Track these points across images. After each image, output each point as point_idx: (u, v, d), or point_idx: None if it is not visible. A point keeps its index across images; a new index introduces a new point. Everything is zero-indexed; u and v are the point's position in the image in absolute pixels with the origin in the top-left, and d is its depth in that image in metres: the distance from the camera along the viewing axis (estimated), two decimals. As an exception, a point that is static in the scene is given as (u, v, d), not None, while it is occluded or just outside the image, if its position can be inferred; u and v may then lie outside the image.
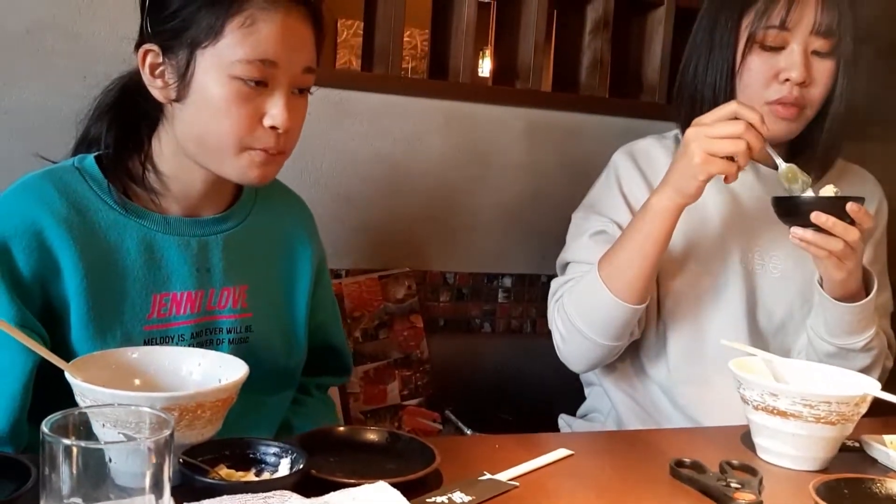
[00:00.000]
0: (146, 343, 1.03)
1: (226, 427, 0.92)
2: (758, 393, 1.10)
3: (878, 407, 1.12)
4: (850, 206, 1.15)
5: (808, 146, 1.35)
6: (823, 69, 1.29)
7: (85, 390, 0.84)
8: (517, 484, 0.98)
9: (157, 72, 1.02)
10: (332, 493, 0.84)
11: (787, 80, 1.27)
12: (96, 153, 1.07)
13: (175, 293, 1.05)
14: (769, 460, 1.12)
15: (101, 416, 0.72)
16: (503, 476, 0.99)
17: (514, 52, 1.88)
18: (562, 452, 1.09)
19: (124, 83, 1.10)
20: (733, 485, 0.98)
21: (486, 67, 2.12)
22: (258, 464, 0.91)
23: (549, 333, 1.51)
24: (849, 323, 1.29)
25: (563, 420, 1.61)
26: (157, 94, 1.03)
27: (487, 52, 2.06)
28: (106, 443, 0.62)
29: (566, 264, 1.45)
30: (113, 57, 1.43)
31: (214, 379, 0.95)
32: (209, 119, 1.00)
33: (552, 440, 1.24)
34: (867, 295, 1.27)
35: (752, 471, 1.05)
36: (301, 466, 0.87)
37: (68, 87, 1.46)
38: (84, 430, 0.70)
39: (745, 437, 1.21)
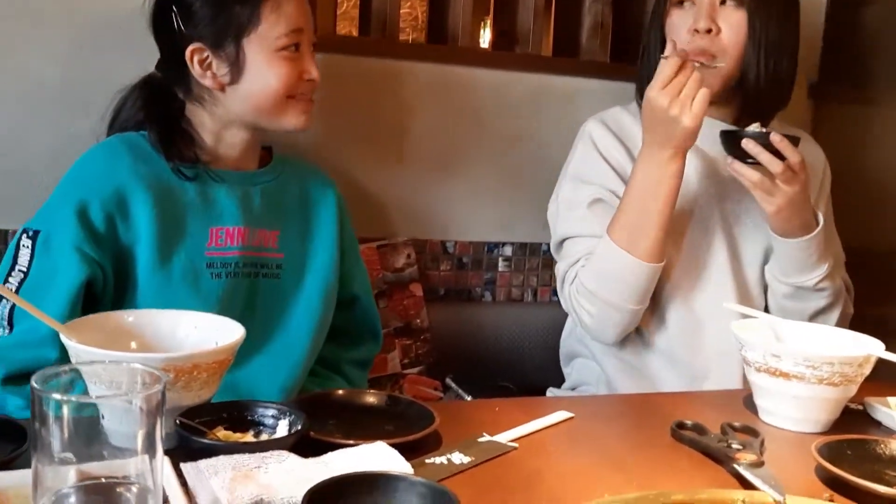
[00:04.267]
0: (208, 267, 1.20)
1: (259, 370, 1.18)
2: (759, 354, 1.09)
3: (884, 367, 1.11)
4: (773, 137, 1.26)
5: (748, 99, 1.42)
6: (734, 18, 1.38)
7: (80, 352, 0.83)
8: (516, 445, 0.97)
9: (206, 65, 1.20)
10: (329, 454, 0.83)
11: (697, 31, 1.38)
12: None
13: (228, 227, 1.22)
14: (771, 422, 1.12)
15: (93, 375, 0.71)
16: (503, 437, 0.99)
17: (514, 16, 1.86)
18: (562, 415, 1.08)
19: (143, 89, 1.27)
20: (734, 446, 0.97)
21: (486, 39, 2.08)
22: (256, 426, 0.90)
23: (550, 302, 1.51)
24: (798, 259, 1.37)
25: (553, 393, 1.61)
26: (209, 83, 1.21)
27: (488, 23, 2.02)
28: (97, 397, 0.61)
29: (562, 241, 1.46)
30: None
31: (211, 342, 0.95)
32: (263, 88, 1.20)
33: (552, 403, 1.24)
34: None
35: (753, 432, 1.04)
36: (299, 428, 0.87)
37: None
38: (75, 388, 0.69)
39: (747, 399, 1.21)
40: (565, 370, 1.62)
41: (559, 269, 1.46)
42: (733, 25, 1.38)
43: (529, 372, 1.77)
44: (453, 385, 1.64)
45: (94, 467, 0.63)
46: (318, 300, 1.30)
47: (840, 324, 1.45)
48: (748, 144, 1.27)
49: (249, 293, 1.25)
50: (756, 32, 1.38)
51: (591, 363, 1.53)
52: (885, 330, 1.18)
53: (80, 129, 1.40)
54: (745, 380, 1.38)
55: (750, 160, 1.29)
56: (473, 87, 1.75)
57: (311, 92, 1.26)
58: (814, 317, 1.44)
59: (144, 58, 1.30)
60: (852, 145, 1.97)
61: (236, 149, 1.27)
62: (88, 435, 0.60)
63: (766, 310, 1.46)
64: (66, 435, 0.59)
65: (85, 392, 0.70)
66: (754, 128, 1.31)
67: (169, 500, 0.72)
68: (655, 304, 1.40)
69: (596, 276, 1.36)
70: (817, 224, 1.36)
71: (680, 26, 1.40)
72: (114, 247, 1.15)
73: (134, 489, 0.61)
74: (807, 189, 1.33)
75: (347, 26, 3.54)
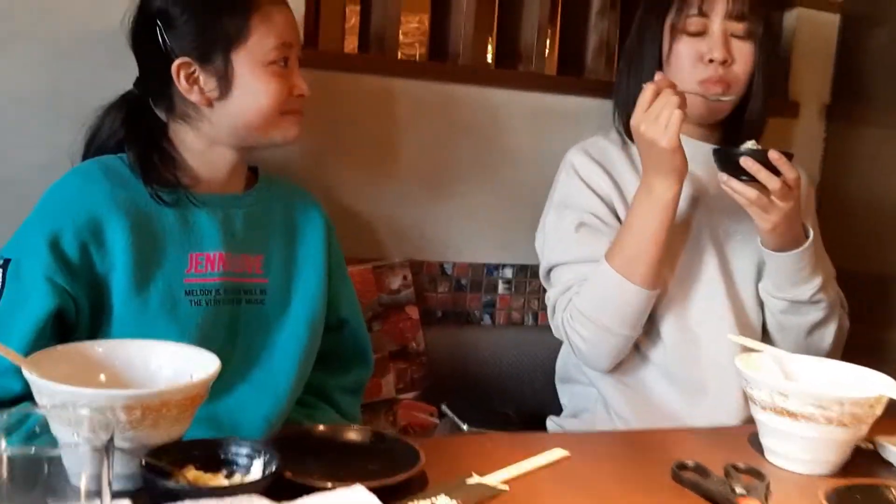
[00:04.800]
0: (188, 294, 1.15)
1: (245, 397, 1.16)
2: (766, 392, 1.03)
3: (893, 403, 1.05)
4: (772, 154, 1.26)
5: (737, 123, 1.47)
6: (743, 50, 1.42)
7: (42, 387, 0.78)
8: (507, 488, 0.92)
9: (192, 80, 1.16)
10: (304, 498, 0.79)
11: (711, 60, 1.40)
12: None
13: (208, 253, 1.18)
14: (777, 463, 1.06)
15: (53, 416, 0.67)
16: (493, 478, 0.94)
17: (517, 33, 1.81)
18: (557, 453, 1.03)
19: (121, 108, 1.23)
20: (738, 490, 0.92)
21: (488, 56, 2.05)
22: (229, 465, 0.86)
23: (549, 327, 1.47)
24: (791, 273, 1.37)
25: (553, 422, 1.57)
26: (195, 98, 1.17)
27: (491, 40, 1.98)
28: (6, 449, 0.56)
29: (550, 269, 1.46)
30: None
31: (186, 374, 0.90)
32: (254, 102, 1.17)
33: (547, 440, 1.19)
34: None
35: (758, 475, 0.99)
36: (273, 469, 0.82)
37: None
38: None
39: (752, 438, 1.15)
40: (561, 396, 1.59)
41: (550, 297, 1.46)
42: (743, 56, 1.42)
43: (529, 398, 1.72)
44: (449, 412, 1.59)
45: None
46: (304, 326, 1.25)
47: (838, 336, 1.46)
48: (747, 162, 1.26)
49: (231, 320, 1.20)
50: (761, 63, 1.44)
51: (587, 389, 1.50)
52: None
53: (62, 143, 1.35)
54: (745, 398, 1.35)
55: (745, 177, 1.28)
56: (474, 105, 1.71)
57: (301, 108, 1.23)
58: (812, 330, 1.43)
59: (129, 71, 1.26)
60: (865, 166, 1.94)
61: (221, 170, 1.23)
62: (26, 481, 0.56)
63: (764, 325, 1.46)
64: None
65: (38, 432, 0.66)
66: (750, 145, 1.30)
67: (127, 551, 0.67)
68: (650, 320, 1.39)
69: (592, 301, 1.36)
70: (807, 237, 1.36)
71: (687, 55, 1.42)
72: (88, 276, 1.11)
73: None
74: (799, 205, 1.33)
75: (347, 41, 3.51)
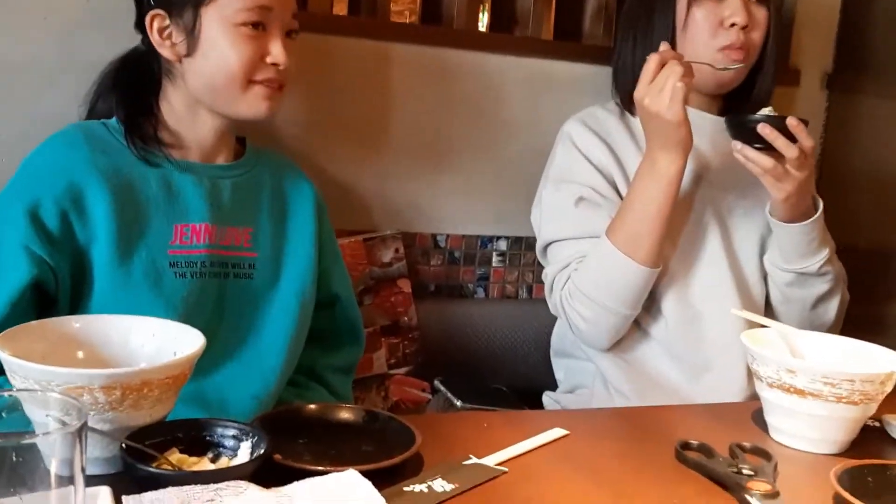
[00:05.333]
0: (172, 266, 1.10)
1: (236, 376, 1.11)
2: (773, 369, 1.00)
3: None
4: (790, 121, 1.22)
5: (738, 93, 1.44)
6: (761, 15, 1.39)
7: (14, 366, 0.74)
8: (506, 469, 0.88)
9: (165, 34, 1.13)
10: (293, 484, 0.75)
11: (733, 24, 1.36)
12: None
13: (194, 224, 1.13)
14: (783, 442, 1.03)
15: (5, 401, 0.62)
16: (491, 460, 0.90)
17: (513, -2, 1.75)
18: (556, 433, 1.00)
19: (122, 60, 1.20)
20: (745, 472, 0.89)
21: (483, 21, 1.98)
22: (215, 447, 0.81)
23: (544, 300, 1.44)
24: (800, 244, 1.34)
25: (549, 398, 1.54)
26: (166, 53, 1.14)
27: (486, 5, 1.91)
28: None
29: (548, 245, 1.43)
30: None
31: (169, 352, 0.86)
32: (218, 64, 1.11)
33: (546, 418, 1.15)
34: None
35: (765, 454, 0.95)
36: (262, 452, 0.78)
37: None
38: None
39: (756, 414, 1.12)
40: (556, 371, 1.56)
41: (547, 274, 1.42)
42: (759, 22, 1.39)
43: (524, 373, 1.69)
44: (442, 388, 1.55)
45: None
46: (294, 302, 1.21)
47: (840, 310, 1.44)
48: (764, 129, 1.22)
49: (218, 295, 1.15)
50: (774, 30, 1.41)
51: (584, 364, 1.47)
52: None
53: (47, 109, 1.32)
54: (749, 375, 1.33)
55: (758, 145, 1.24)
56: (469, 71, 1.65)
57: (277, 79, 1.14)
58: (816, 303, 1.41)
59: (114, 34, 1.21)
60: (866, 136, 1.91)
61: (206, 137, 1.18)
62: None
63: (767, 298, 1.43)
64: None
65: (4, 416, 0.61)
66: (767, 111, 1.25)
67: (105, 541, 0.63)
68: (651, 297, 1.36)
69: (592, 280, 1.32)
70: (816, 208, 1.33)
71: (706, 22, 1.37)
72: (69, 246, 1.06)
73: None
74: (813, 174, 1.30)
75: (336, 5, 3.42)
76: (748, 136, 1.24)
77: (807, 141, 1.23)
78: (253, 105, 1.14)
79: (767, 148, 1.23)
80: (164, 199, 1.12)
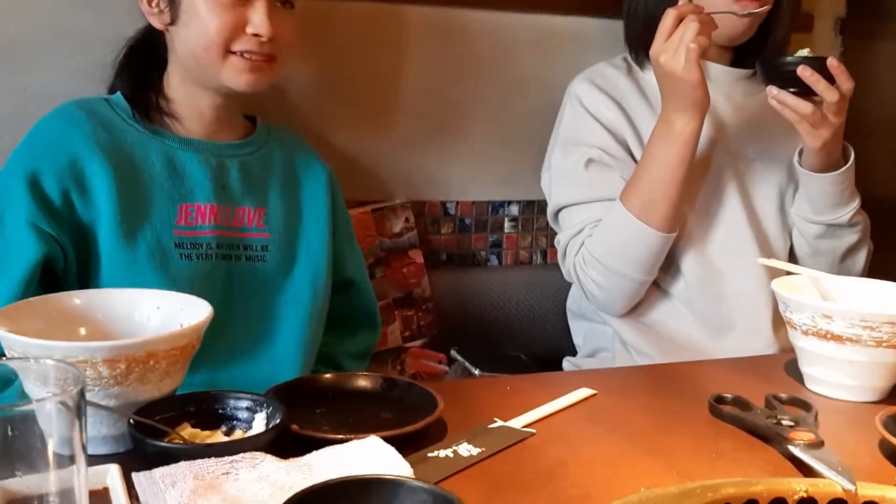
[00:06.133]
0: (177, 247, 1.07)
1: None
2: (808, 315, 0.95)
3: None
4: (831, 62, 1.15)
5: (751, 41, 1.37)
6: None
7: (12, 342, 0.70)
8: (534, 431, 0.85)
9: (154, 2, 1.11)
10: (313, 453, 0.71)
11: None
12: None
13: (199, 204, 1.10)
14: (821, 392, 0.99)
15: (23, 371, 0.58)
16: (517, 422, 0.86)
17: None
18: (583, 392, 0.96)
19: (136, 37, 1.18)
20: (785, 422, 0.84)
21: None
22: (229, 420, 0.78)
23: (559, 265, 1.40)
24: (832, 195, 1.29)
25: (570, 363, 1.50)
26: (155, 22, 1.12)
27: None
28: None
29: (559, 210, 1.39)
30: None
31: (175, 324, 0.82)
32: (198, 32, 1.08)
33: (571, 379, 1.11)
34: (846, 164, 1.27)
35: (804, 405, 0.91)
36: (278, 422, 0.74)
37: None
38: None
39: (789, 366, 1.08)
40: (574, 336, 1.53)
41: (560, 241, 1.38)
42: None
43: (542, 340, 1.65)
44: (459, 357, 1.51)
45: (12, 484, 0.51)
46: (310, 286, 1.17)
47: (867, 261, 1.41)
48: (805, 72, 1.15)
49: (227, 279, 1.11)
50: None
51: (602, 327, 1.43)
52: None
53: (39, 84, 1.29)
54: (774, 330, 1.28)
55: (793, 90, 1.17)
56: (474, 32, 1.60)
57: (260, 51, 1.10)
58: (845, 255, 1.37)
59: (104, 8, 1.20)
60: (883, 82, 1.85)
61: (206, 114, 1.15)
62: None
63: (791, 252, 1.39)
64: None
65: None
66: (805, 52, 1.18)
67: (116, 519, 0.59)
68: (669, 257, 1.32)
69: (607, 246, 1.28)
70: (846, 156, 1.27)
71: None
72: (73, 223, 1.03)
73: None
74: (846, 120, 1.23)
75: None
76: (783, 79, 1.17)
77: (847, 83, 1.16)
78: (232, 76, 1.10)
79: (803, 92, 1.17)
80: (167, 178, 1.09)
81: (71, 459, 0.50)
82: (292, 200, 1.20)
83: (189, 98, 1.14)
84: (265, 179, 1.17)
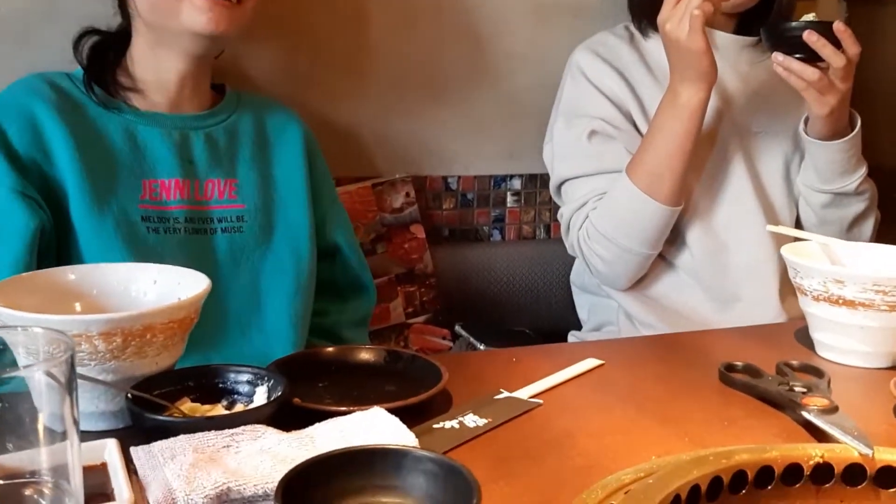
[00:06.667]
0: (144, 220, 1.04)
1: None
2: (819, 281, 0.93)
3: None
4: (837, 26, 1.12)
5: (761, 11, 1.34)
6: None
7: (3, 316, 0.68)
8: (541, 402, 0.83)
9: None
10: (316, 425, 0.69)
11: None
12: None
13: (163, 180, 1.07)
14: (832, 359, 0.97)
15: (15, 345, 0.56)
16: (523, 393, 0.84)
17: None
18: (590, 363, 0.94)
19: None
20: (798, 389, 0.83)
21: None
22: (229, 394, 0.76)
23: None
24: (839, 163, 1.26)
25: (575, 337, 1.48)
26: None
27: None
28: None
29: (562, 183, 1.36)
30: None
31: (173, 297, 0.80)
32: None
33: (577, 350, 1.09)
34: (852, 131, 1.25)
35: (816, 371, 0.89)
36: (279, 394, 0.72)
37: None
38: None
39: (799, 334, 1.06)
40: (579, 310, 1.51)
41: (563, 214, 1.36)
42: None
43: (546, 315, 1.63)
44: (464, 333, 1.50)
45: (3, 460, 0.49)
46: (292, 254, 1.13)
47: (874, 230, 1.39)
48: (811, 37, 1.12)
49: (202, 252, 1.07)
50: None
51: (607, 301, 1.41)
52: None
53: (32, 61, 1.24)
54: (781, 301, 1.27)
55: (799, 56, 1.15)
56: (473, 1, 1.57)
57: None
58: (853, 224, 1.35)
59: None
60: (890, 50, 1.81)
61: (169, 81, 1.10)
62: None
63: (798, 223, 1.37)
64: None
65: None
66: (810, 17, 1.16)
67: (113, 494, 0.58)
68: (675, 229, 1.30)
69: (612, 220, 1.27)
70: (852, 123, 1.25)
71: None
72: (42, 186, 1.01)
73: (47, 491, 0.47)
74: (852, 86, 1.20)
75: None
76: (789, 45, 1.15)
77: (854, 47, 1.13)
78: (190, 16, 1.01)
79: (809, 58, 1.14)
80: (129, 153, 1.06)
81: (63, 435, 0.48)
82: (265, 167, 1.15)
83: (153, 66, 1.09)
84: (233, 149, 1.14)
